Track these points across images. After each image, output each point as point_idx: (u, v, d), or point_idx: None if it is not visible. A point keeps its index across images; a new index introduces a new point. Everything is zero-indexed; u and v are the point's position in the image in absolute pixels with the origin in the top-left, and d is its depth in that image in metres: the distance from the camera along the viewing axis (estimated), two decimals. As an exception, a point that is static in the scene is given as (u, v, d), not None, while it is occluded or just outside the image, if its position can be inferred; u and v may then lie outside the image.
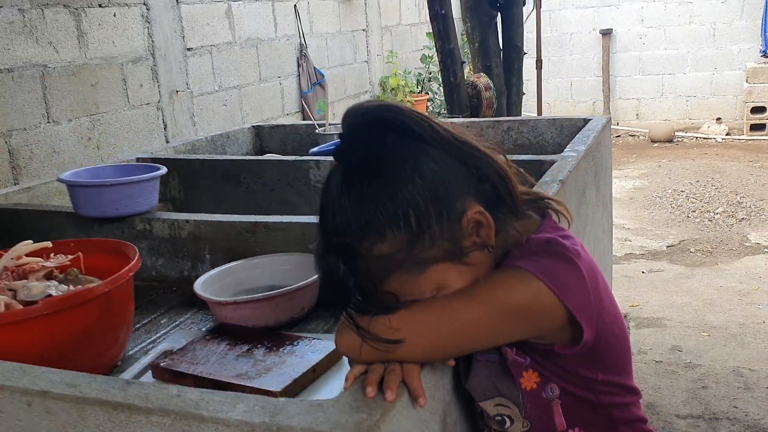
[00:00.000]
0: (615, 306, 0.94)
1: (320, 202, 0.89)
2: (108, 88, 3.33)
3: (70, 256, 1.30)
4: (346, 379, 0.84)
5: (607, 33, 7.58)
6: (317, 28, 5.19)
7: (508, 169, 0.94)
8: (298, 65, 4.94)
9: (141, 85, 3.53)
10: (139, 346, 1.35)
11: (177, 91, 3.77)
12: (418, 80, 6.59)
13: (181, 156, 2.45)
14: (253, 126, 3.03)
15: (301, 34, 4.93)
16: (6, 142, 2.86)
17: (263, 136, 3.03)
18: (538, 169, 1.83)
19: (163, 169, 1.71)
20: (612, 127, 6.46)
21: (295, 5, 4.85)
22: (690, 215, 4.81)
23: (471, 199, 0.88)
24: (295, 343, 1.21)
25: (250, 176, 2.26)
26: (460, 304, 0.87)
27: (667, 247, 4.31)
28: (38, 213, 1.75)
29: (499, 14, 4.07)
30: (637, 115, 7.69)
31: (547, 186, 1.63)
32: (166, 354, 1.25)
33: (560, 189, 1.63)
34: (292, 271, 1.45)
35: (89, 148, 3.25)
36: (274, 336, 1.25)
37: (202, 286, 1.39)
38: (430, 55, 6.43)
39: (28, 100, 2.95)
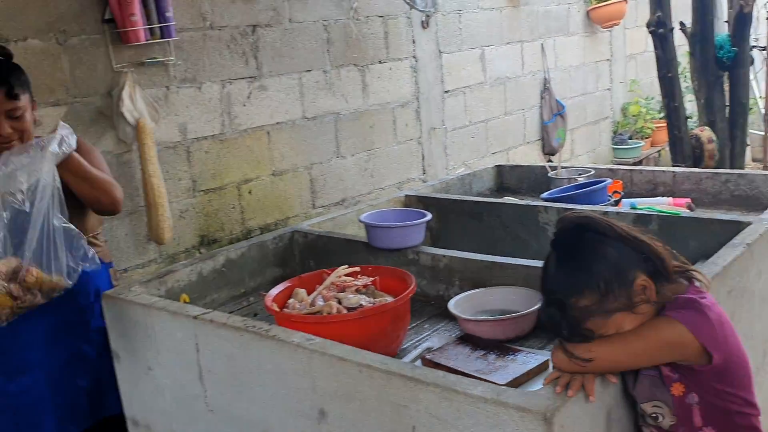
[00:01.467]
0: (739, 342, 1.38)
1: (542, 274, 1.45)
2: (381, 128, 4.13)
3: (371, 278, 1.98)
4: (545, 381, 1.37)
5: None
6: (561, 62, 5.61)
7: (664, 251, 1.41)
8: (541, 97, 5.42)
9: (406, 125, 4.29)
10: (410, 342, 1.98)
11: (434, 128, 4.48)
12: (660, 107, 6.69)
13: (437, 195, 3.10)
14: (496, 166, 3.60)
15: (546, 69, 5.41)
16: (309, 173, 3.75)
17: (504, 174, 3.59)
18: (736, 230, 2.17)
19: (429, 216, 2.34)
20: None
21: (542, 44, 5.34)
22: None
23: (639, 271, 1.37)
24: (517, 354, 1.76)
25: (491, 215, 2.83)
26: (633, 339, 1.37)
27: None
28: (343, 241, 2.49)
29: (726, 73, 4.36)
30: None
31: (735, 248, 1.98)
32: (429, 350, 1.87)
33: (746, 251, 1.98)
34: (518, 301, 1.99)
35: (365, 176, 4.06)
36: (503, 347, 1.80)
37: (453, 305, 1.99)
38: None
39: (325, 140, 3.82)
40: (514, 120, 5.20)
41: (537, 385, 1.59)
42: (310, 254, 2.60)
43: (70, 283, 1.93)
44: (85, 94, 2.82)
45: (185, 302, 2.18)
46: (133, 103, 2.89)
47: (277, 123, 3.57)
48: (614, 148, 6.27)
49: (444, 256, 2.22)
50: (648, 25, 4.18)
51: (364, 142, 4.03)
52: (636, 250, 1.39)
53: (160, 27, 2.93)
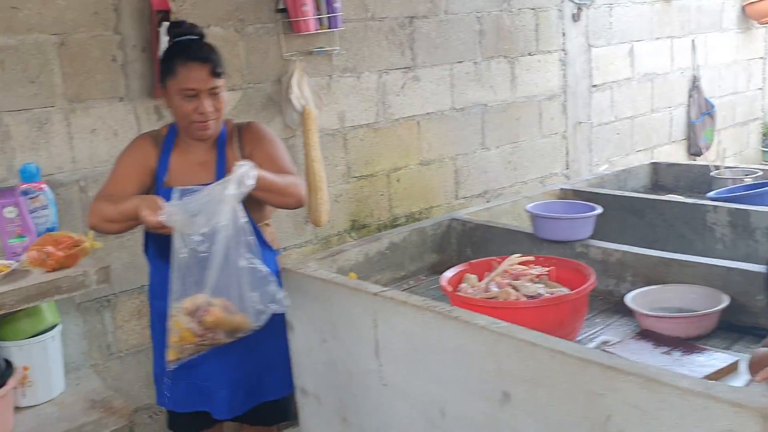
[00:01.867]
0: None
1: None
2: (527, 121, 4.10)
3: (546, 269, 1.98)
4: (759, 377, 1.33)
5: None
6: (712, 59, 5.36)
7: None
8: (689, 95, 5.20)
9: (552, 118, 4.23)
10: (584, 335, 1.98)
11: (580, 123, 4.39)
12: (818, 108, 6.25)
13: (595, 189, 3.05)
14: (652, 163, 3.50)
15: (696, 67, 5.18)
16: (454, 164, 3.79)
17: (659, 172, 3.48)
18: None
19: (599, 209, 2.31)
20: None
21: (692, 40, 5.12)
22: None
23: None
24: (702, 352, 1.72)
25: (653, 212, 2.76)
26: None
27: None
28: (504, 230, 2.50)
29: None
30: None
31: None
32: (606, 343, 1.86)
33: None
34: (697, 300, 1.94)
35: (508, 169, 4.05)
36: (686, 344, 1.77)
37: (631, 299, 1.96)
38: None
39: (471, 131, 3.84)
40: (660, 117, 5.02)
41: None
42: (467, 242, 2.63)
43: (256, 325, 1.86)
44: (257, 80, 2.98)
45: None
46: (301, 90, 3.02)
47: (427, 113, 3.62)
48: (764, 151, 5.92)
49: (616, 250, 2.19)
50: None
51: (509, 134, 4.02)
52: None
53: (329, 17, 3.04)
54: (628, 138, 4.79)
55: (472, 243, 2.62)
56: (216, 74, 2.04)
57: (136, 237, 2.70)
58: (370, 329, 1.96)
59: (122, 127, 2.63)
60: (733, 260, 2.05)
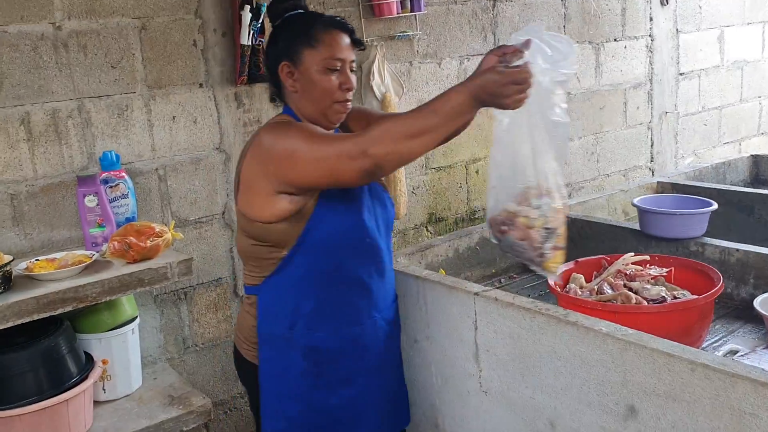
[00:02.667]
0: None
1: None
2: (612, 110, 3.88)
3: (665, 269, 1.81)
4: None
5: None
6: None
7: None
8: (783, 84, 4.88)
9: (638, 108, 4.01)
10: (707, 344, 1.79)
11: (666, 113, 4.15)
12: None
13: (693, 183, 2.84)
14: (751, 155, 3.26)
15: (790, 53, 4.86)
16: (535, 155, 3.60)
17: (761, 165, 3.24)
18: None
19: (714, 205, 2.12)
20: None
21: (787, 24, 4.80)
22: None
23: None
24: None
25: (764, 208, 2.54)
26: None
27: None
28: (606, 226, 2.33)
29: None
30: None
31: None
32: (733, 352, 1.68)
33: None
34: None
35: (591, 161, 3.85)
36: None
37: (759, 304, 1.77)
38: None
39: (554, 121, 3.65)
40: (749, 108, 4.72)
41: None
42: (561, 238, 2.46)
43: None
44: (337, 66, 2.86)
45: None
46: (381, 77, 2.89)
47: (509, 102, 3.44)
48: None
49: (737, 249, 2.00)
50: None
51: (592, 124, 3.82)
52: None
53: (411, 1, 2.90)
54: (716, 129, 4.52)
55: (569, 239, 2.44)
56: (357, 44, 1.73)
57: (215, 228, 2.63)
58: (469, 331, 1.82)
59: (202, 114, 2.55)
60: None
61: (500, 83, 1.39)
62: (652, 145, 4.13)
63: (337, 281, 1.67)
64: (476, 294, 1.79)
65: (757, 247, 1.98)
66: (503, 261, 2.41)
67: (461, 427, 1.92)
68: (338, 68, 1.65)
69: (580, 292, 1.80)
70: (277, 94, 1.79)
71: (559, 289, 1.79)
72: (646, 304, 1.66)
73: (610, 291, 1.76)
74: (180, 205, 2.55)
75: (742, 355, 1.64)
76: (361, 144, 1.48)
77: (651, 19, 3.98)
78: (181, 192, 2.54)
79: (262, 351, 1.70)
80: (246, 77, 2.56)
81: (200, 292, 2.64)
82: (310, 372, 1.68)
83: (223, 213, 2.64)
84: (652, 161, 4.12)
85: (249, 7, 2.48)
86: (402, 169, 2.92)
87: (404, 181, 2.96)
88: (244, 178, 1.67)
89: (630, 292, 1.71)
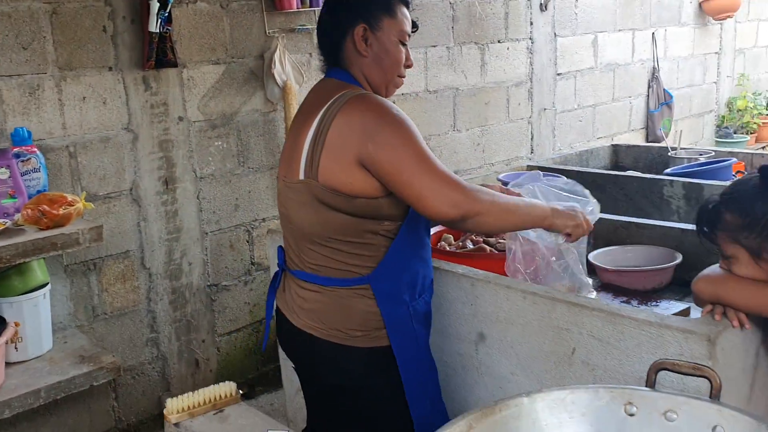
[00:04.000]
0: None
1: (733, 185, 1.54)
2: (496, 106, 4.27)
3: (517, 228, 2.14)
4: (703, 312, 1.50)
5: None
6: (671, 52, 5.61)
7: None
8: (649, 86, 5.44)
9: (519, 104, 4.42)
10: (550, 290, 2.14)
11: (545, 109, 4.59)
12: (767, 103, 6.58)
13: (559, 166, 3.23)
14: (612, 145, 3.71)
15: (655, 59, 5.42)
16: (427, 144, 3.93)
17: (619, 153, 3.68)
18: None
19: (563, 178, 2.48)
20: None
21: (653, 33, 5.36)
22: None
23: None
24: (659, 302, 1.90)
25: (614, 187, 2.95)
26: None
27: None
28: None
29: None
30: None
31: None
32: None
33: None
34: (654, 259, 2.13)
35: (477, 151, 4.22)
36: (644, 295, 1.94)
37: (593, 257, 2.14)
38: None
39: (443, 114, 4.00)
40: (621, 107, 5.25)
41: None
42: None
43: None
44: (240, 55, 3.08)
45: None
46: (282, 66, 3.13)
47: (402, 94, 3.76)
48: (718, 141, 6.21)
49: (580, 215, 2.36)
50: None
51: (478, 118, 4.19)
52: None
53: (310, -4, 3.16)
54: (590, 125, 5.00)
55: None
56: (414, 25, 1.70)
57: (123, 203, 2.80)
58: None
59: (111, 95, 2.72)
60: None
61: (576, 223, 1.69)
62: (532, 138, 4.55)
63: (420, 245, 1.67)
64: (359, 250, 2.07)
65: (608, 214, 2.36)
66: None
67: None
68: (406, 43, 1.65)
69: (447, 247, 2.11)
70: (333, 58, 1.65)
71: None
72: (498, 253, 2.00)
73: (471, 246, 2.08)
74: (90, 180, 2.71)
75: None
76: (470, 202, 1.50)
77: (531, 24, 4.39)
78: (91, 168, 2.71)
79: (394, 335, 1.59)
80: (153, 62, 2.75)
81: (109, 264, 2.81)
82: (427, 336, 1.69)
83: (131, 189, 2.82)
84: (532, 152, 4.54)
85: (157, -4, 2.67)
86: (302, 152, 3.17)
87: (304, 164, 3.20)
88: (334, 153, 1.50)
89: (486, 246, 2.04)
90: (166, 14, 2.72)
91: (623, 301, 1.91)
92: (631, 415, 1.23)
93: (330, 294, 1.59)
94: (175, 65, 2.83)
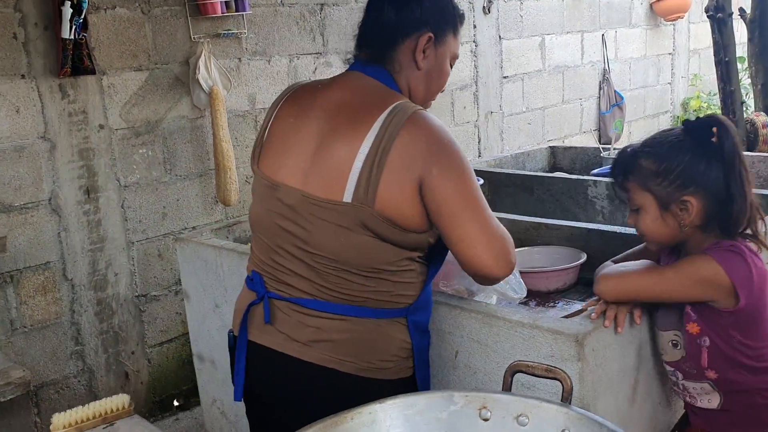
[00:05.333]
0: None
1: (655, 135, 1.51)
2: (440, 109, 4.25)
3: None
4: (594, 314, 1.45)
5: None
6: (622, 53, 5.63)
7: (757, 210, 1.43)
8: (600, 88, 5.46)
9: (464, 107, 4.40)
10: (458, 293, 2.11)
11: (491, 112, 4.58)
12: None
13: (492, 169, 3.21)
14: (549, 147, 3.69)
15: (606, 60, 5.44)
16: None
17: (557, 155, 3.67)
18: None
19: (481, 180, 2.46)
20: None
21: (602, 35, 5.37)
22: None
23: (701, 197, 1.40)
24: (558, 302, 1.87)
25: (541, 188, 2.93)
26: (669, 273, 1.44)
27: None
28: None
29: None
30: None
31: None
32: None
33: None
34: (561, 259, 2.10)
35: (421, 155, 4.19)
36: (544, 296, 1.92)
37: (500, 260, 2.11)
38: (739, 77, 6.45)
39: (384, 117, 3.96)
40: (571, 108, 5.25)
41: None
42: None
43: None
44: (164, 61, 3.04)
45: (250, 250, 2.35)
46: (208, 72, 3.09)
47: (340, 98, 3.73)
48: (673, 143, 6.23)
49: (504, 218, 2.33)
50: (707, 10, 4.22)
51: (422, 121, 4.16)
52: (728, 181, 1.40)
53: (236, 1, 3.13)
54: (539, 128, 5.00)
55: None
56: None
57: (41, 214, 2.74)
58: (256, 290, 2.06)
59: (24, 104, 2.67)
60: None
61: None
62: (479, 141, 4.54)
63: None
64: (261, 256, 2.02)
65: (507, 214, 2.34)
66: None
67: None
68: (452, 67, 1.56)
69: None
70: (378, 54, 1.46)
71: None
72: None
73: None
74: (3, 190, 2.65)
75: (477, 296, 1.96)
76: (512, 263, 1.40)
77: (474, 27, 4.38)
78: (5, 178, 2.65)
79: (420, 366, 1.47)
80: (69, 69, 2.70)
81: (27, 276, 2.75)
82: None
83: (50, 199, 2.76)
84: (480, 156, 4.53)
85: (70, 2, 2.62)
86: (232, 157, 3.13)
87: (234, 170, 3.16)
88: (396, 176, 1.31)
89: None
90: (81, 20, 2.68)
91: (521, 303, 1.88)
92: (486, 419, 1.20)
93: (364, 324, 1.38)
94: (93, 72, 2.78)
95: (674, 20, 5.88)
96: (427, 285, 1.45)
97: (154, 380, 3.17)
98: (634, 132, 5.84)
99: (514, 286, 1.78)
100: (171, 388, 3.24)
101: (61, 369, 2.88)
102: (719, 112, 6.42)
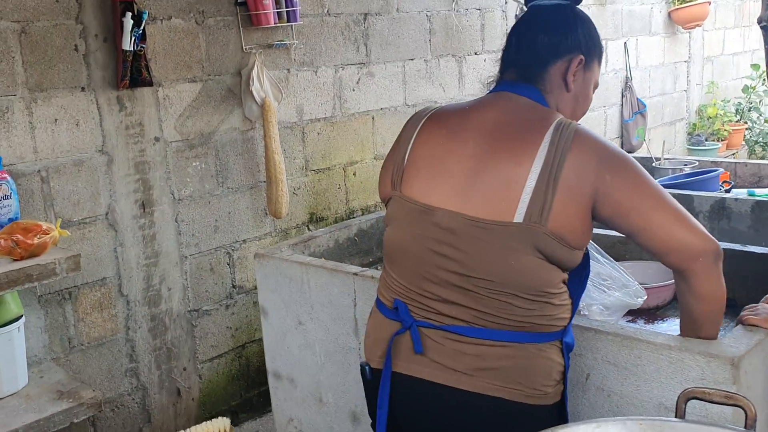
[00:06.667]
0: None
1: None
2: (475, 117, 4.23)
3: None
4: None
5: None
6: (642, 61, 5.65)
7: None
8: (622, 96, 5.47)
9: (498, 116, 4.38)
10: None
11: (523, 120, 4.56)
12: (737, 109, 6.66)
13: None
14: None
15: (628, 68, 5.45)
16: (407, 158, 3.87)
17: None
18: None
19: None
20: None
21: (625, 43, 5.39)
22: None
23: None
24: (665, 320, 1.85)
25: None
26: None
27: None
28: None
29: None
30: None
31: None
32: (572, 315, 1.97)
33: None
34: (653, 274, 2.09)
35: (458, 164, 4.17)
36: (650, 314, 1.90)
37: (593, 275, 2.09)
38: (753, 85, 6.50)
39: (423, 127, 3.94)
40: (595, 117, 5.26)
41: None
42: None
43: None
44: (217, 72, 2.99)
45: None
46: (260, 83, 3.05)
47: (381, 108, 3.70)
48: (690, 149, 6.27)
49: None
50: (759, 21, 4.22)
51: (458, 130, 4.14)
52: None
53: (287, 11, 3.09)
54: (568, 135, 4.99)
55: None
56: None
57: (98, 229, 2.68)
58: (349, 308, 2.02)
59: (84, 117, 2.61)
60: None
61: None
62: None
63: None
64: (355, 274, 1.99)
65: (609, 231, 2.32)
66: (378, 250, 2.63)
67: (343, 399, 2.11)
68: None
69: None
70: (528, 74, 1.48)
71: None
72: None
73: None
74: (63, 206, 2.59)
75: (580, 315, 1.94)
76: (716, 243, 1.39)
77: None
78: (64, 193, 2.59)
79: (568, 388, 1.46)
80: (128, 81, 2.64)
81: (85, 292, 2.68)
82: None
83: (107, 214, 2.70)
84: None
85: (131, 14, 2.57)
86: (283, 170, 3.09)
87: (285, 182, 3.12)
88: (570, 192, 1.30)
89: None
90: (140, 32, 2.62)
91: (629, 320, 1.86)
92: (665, 448, 1.17)
93: (526, 349, 1.35)
94: (150, 84, 2.72)
95: (692, 28, 5.92)
96: (576, 306, 1.42)
97: (204, 396, 3.12)
98: (653, 139, 5.86)
99: (633, 291, 1.76)
100: (221, 404, 3.18)
101: (116, 387, 2.81)
102: (734, 119, 6.48)
